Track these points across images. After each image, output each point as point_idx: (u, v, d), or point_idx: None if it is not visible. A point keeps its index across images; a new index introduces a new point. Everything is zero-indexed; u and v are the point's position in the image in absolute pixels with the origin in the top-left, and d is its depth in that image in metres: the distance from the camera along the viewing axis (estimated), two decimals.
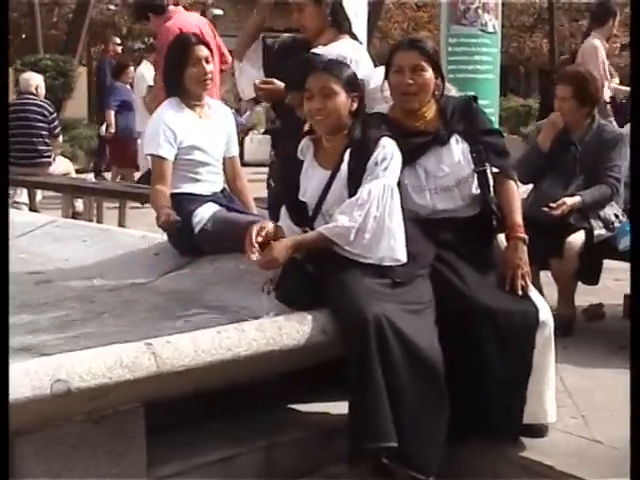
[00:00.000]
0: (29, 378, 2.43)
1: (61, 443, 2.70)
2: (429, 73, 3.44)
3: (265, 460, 3.26)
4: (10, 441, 2.58)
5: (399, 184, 3.30)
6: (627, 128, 5.49)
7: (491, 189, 3.46)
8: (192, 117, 4.26)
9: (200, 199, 4.23)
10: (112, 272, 4.25)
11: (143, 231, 5.00)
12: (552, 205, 4.64)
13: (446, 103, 3.52)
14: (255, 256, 3.18)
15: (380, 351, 2.91)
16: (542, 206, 4.63)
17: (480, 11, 11.60)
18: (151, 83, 9.74)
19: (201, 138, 4.24)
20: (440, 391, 3.04)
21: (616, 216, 4.85)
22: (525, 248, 3.42)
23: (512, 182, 3.53)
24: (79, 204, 9.07)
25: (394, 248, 3.18)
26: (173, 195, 4.16)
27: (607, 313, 5.36)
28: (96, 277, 4.18)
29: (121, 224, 7.94)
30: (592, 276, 4.92)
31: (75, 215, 8.50)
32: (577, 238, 4.70)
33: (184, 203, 4.18)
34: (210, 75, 4.21)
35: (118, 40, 15.24)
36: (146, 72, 10.66)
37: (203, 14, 20.51)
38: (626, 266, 5.29)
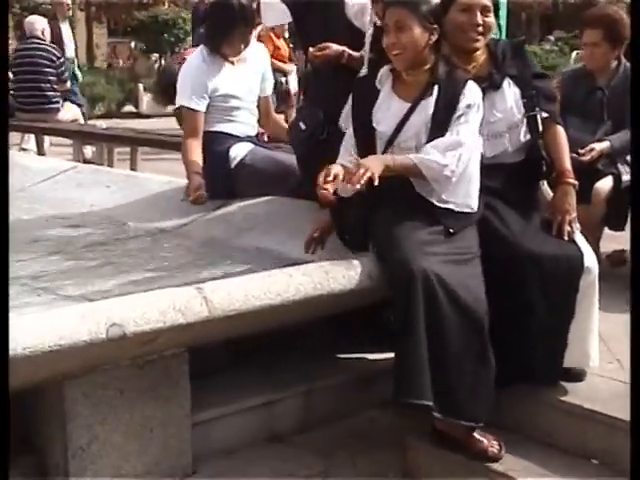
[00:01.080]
0: (85, 322, 2.41)
1: (108, 387, 2.71)
2: (492, 16, 3.39)
3: (304, 405, 3.27)
4: (60, 384, 2.60)
5: None
6: None
7: (540, 134, 3.43)
8: (225, 64, 4.23)
9: (234, 137, 4.24)
10: (140, 218, 4.23)
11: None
12: (580, 151, 4.58)
13: (495, 46, 3.46)
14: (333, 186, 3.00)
15: (426, 305, 2.89)
16: (570, 152, 4.58)
17: None
18: None
19: (235, 86, 4.21)
20: (484, 342, 3.02)
21: None
22: (574, 194, 3.40)
23: (560, 127, 3.49)
24: (88, 151, 9.01)
25: (471, 195, 3.16)
26: (208, 133, 4.16)
27: (628, 259, 5.36)
28: (124, 223, 4.16)
29: (132, 170, 7.87)
30: (619, 222, 4.88)
31: (86, 162, 8.43)
32: (605, 184, 4.65)
33: (220, 140, 4.20)
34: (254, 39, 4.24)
35: None
36: None
37: None
38: None
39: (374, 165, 3.01)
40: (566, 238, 3.29)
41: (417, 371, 2.90)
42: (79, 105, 9.96)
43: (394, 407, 3.17)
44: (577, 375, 3.34)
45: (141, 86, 15.86)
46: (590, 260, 3.26)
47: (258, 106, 4.43)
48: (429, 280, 2.90)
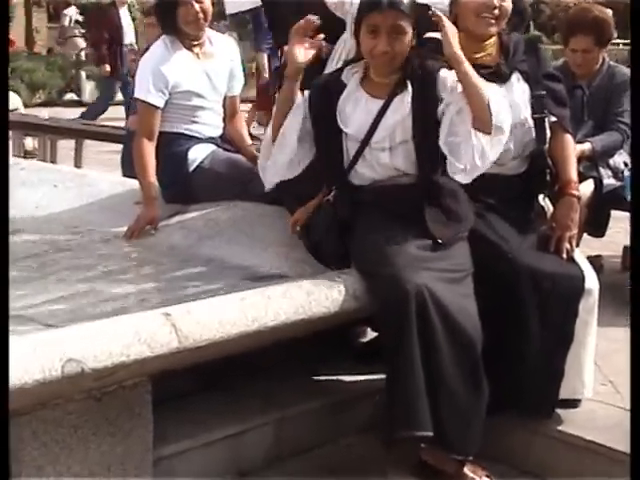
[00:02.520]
0: (37, 357, 2.07)
1: (60, 424, 2.39)
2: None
3: (275, 434, 2.98)
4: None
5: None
6: None
7: (547, 140, 3.17)
8: (188, 58, 3.83)
9: (195, 139, 3.87)
10: (91, 222, 3.87)
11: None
12: None
13: (508, 39, 3.18)
14: None
15: (420, 326, 2.64)
16: None
17: None
18: None
19: (199, 82, 3.83)
20: (478, 368, 2.78)
21: (625, 164, 4.59)
22: (578, 207, 3.14)
23: (569, 135, 3.23)
24: (28, 142, 8.55)
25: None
26: (165, 133, 3.79)
27: (605, 266, 5.15)
28: (74, 227, 3.80)
29: (77, 165, 7.45)
30: (599, 228, 4.68)
31: (27, 154, 7.98)
32: (586, 187, 4.41)
33: (178, 141, 3.84)
34: (201, 14, 3.76)
35: None
36: None
37: None
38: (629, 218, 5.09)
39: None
40: (564, 256, 3.03)
41: (415, 399, 2.66)
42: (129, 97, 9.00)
43: (373, 433, 2.92)
44: (573, 402, 3.09)
45: (83, 73, 15.33)
46: (591, 281, 3.01)
47: (224, 105, 4.02)
48: (423, 299, 2.64)
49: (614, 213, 4.83)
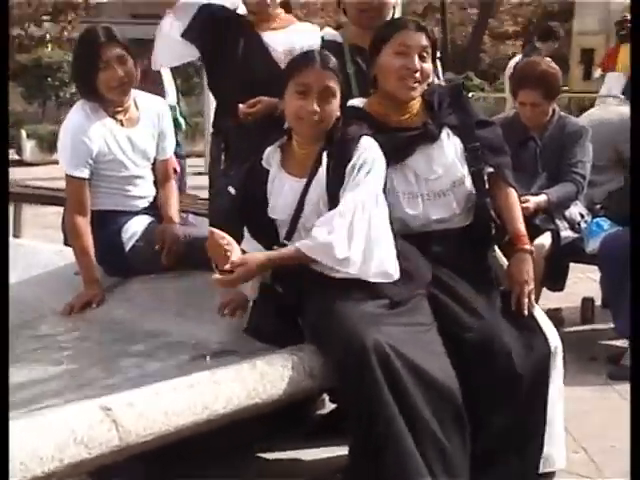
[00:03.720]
0: None
1: None
2: (430, 60, 2.95)
3: None
4: None
5: (385, 191, 2.80)
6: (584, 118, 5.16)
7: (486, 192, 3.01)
8: (112, 125, 3.56)
9: (128, 214, 3.63)
10: (27, 296, 3.61)
11: (44, 241, 4.38)
12: None
13: (431, 92, 3.02)
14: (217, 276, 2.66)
15: (389, 382, 2.42)
16: None
17: None
18: None
19: (124, 150, 3.57)
20: (462, 421, 2.58)
21: (581, 215, 4.51)
22: (531, 261, 2.98)
23: (509, 185, 3.06)
24: None
25: (384, 262, 2.67)
26: (96, 212, 3.55)
27: (565, 318, 5.04)
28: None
29: (17, 234, 7.11)
30: (558, 281, 4.58)
31: None
32: (544, 240, 4.31)
33: (111, 218, 3.59)
34: (126, 79, 3.50)
35: None
36: None
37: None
38: (587, 268, 5.00)
39: (250, 267, 2.64)
40: (526, 313, 2.88)
41: (408, 460, 2.43)
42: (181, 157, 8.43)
43: None
44: (545, 476, 2.89)
45: (24, 132, 15.05)
46: (555, 341, 2.85)
47: (154, 170, 3.76)
48: (384, 352, 2.44)
49: (572, 264, 4.73)
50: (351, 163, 2.74)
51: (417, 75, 2.91)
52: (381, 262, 2.67)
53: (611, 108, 5.31)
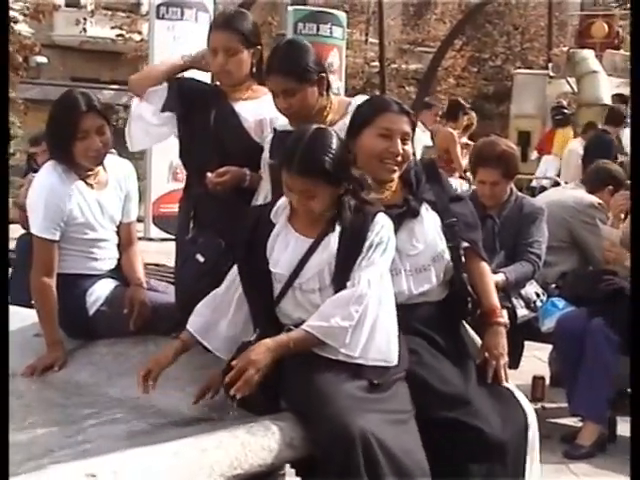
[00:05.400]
0: None
1: None
2: (410, 142, 3.01)
3: None
4: None
5: None
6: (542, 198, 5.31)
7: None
8: (82, 188, 3.54)
9: (93, 277, 3.60)
10: None
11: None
12: None
13: (408, 169, 3.07)
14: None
15: (368, 471, 2.43)
16: None
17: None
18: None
19: (93, 213, 3.56)
20: None
21: (537, 295, 4.58)
22: (505, 334, 3.04)
23: (483, 260, 3.13)
24: None
25: (390, 347, 2.70)
26: (61, 275, 3.51)
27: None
28: None
29: None
30: (513, 359, 4.58)
31: None
32: None
33: (76, 282, 3.55)
34: (103, 149, 3.52)
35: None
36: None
37: (25, 60, 19.62)
38: (534, 347, 5.08)
39: (259, 358, 2.59)
40: (504, 384, 2.94)
41: None
42: None
43: None
44: None
45: None
46: (531, 413, 2.90)
47: (118, 233, 3.73)
48: (369, 443, 2.44)
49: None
50: (369, 240, 2.75)
51: (399, 158, 2.97)
52: (387, 348, 2.70)
53: (567, 191, 5.45)
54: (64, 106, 3.53)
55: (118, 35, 22.52)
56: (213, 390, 2.88)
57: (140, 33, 21.51)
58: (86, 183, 3.57)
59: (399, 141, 2.96)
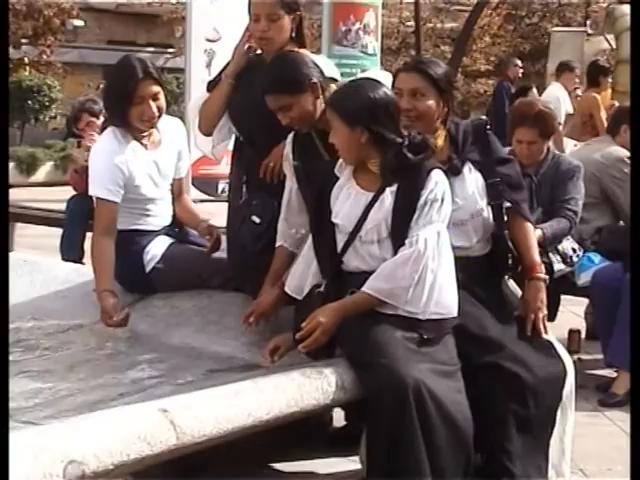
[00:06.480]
0: (38, 462, 1.96)
1: None
2: (431, 99, 3.14)
3: None
4: None
5: None
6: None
7: (504, 225, 3.21)
8: (138, 150, 3.72)
9: (150, 233, 3.78)
10: (48, 311, 3.75)
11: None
12: None
13: (456, 129, 3.22)
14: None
15: (420, 418, 2.62)
16: None
17: (361, 33, 11.61)
18: (568, 108, 9.08)
19: (150, 172, 3.73)
20: (470, 463, 2.78)
21: (573, 250, 4.71)
22: (545, 289, 3.19)
23: (526, 219, 3.28)
24: None
25: (449, 301, 2.88)
26: (120, 232, 3.67)
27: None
28: (31, 317, 3.67)
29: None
30: (550, 313, 4.73)
31: None
32: None
33: (134, 239, 3.73)
34: (158, 113, 3.67)
35: (519, 62, 12.93)
36: (559, 92, 9.51)
37: (63, 24, 19.82)
38: (568, 302, 5.21)
39: (326, 321, 2.80)
40: (544, 336, 3.10)
41: None
42: None
43: None
44: None
45: None
46: (569, 365, 3.05)
47: (171, 189, 3.92)
48: (421, 393, 2.62)
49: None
50: (423, 197, 2.89)
51: (411, 113, 3.12)
52: (441, 301, 2.86)
53: (594, 146, 5.53)
54: (121, 73, 3.70)
55: None
56: (284, 349, 3.01)
57: None
58: (141, 144, 3.75)
59: (407, 97, 3.12)
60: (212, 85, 3.73)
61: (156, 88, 3.65)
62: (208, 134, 3.73)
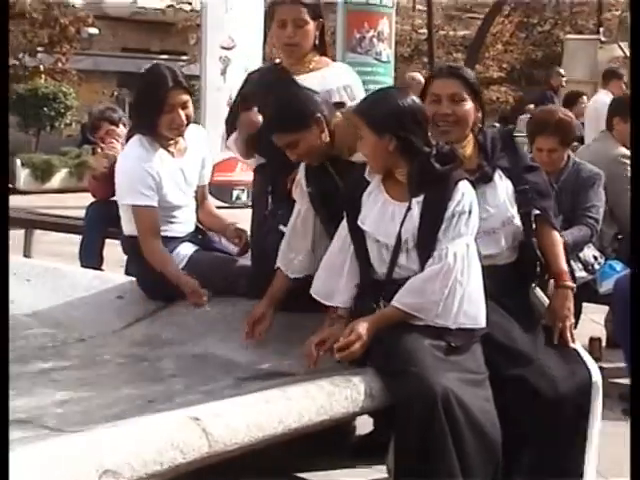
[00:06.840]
0: (72, 471, 1.96)
1: None
2: (469, 103, 3.16)
3: None
4: None
5: None
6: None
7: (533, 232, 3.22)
8: (165, 157, 3.75)
9: (175, 240, 3.80)
10: (72, 319, 3.76)
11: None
12: None
13: (484, 136, 3.23)
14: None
15: (451, 430, 2.63)
16: None
17: (375, 40, 11.62)
18: None
19: (176, 180, 3.77)
20: (499, 472, 2.78)
21: (595, 258, 4.70)
22: (572, 298, 3.18)
23: (554, 227, 3.28)
24: None
25: (478, 312, 2.88)
26: None
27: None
28: (56, 325, 3.69)
29: (26, 256, 7.26)
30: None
31: None
32: None
33: None
34: (186, 121, 3.71)
35: (562, 71, 13.04)
36: (608, 99, 9.51)
37: (78, 32, 19.91)
38: (589, 310, 5.20)
39: (364, 333, 2.81)
40: (571, 345, 3.09)
41: None
42: None
43: None
44: None
45: (18, 161, 15.15)
46: (597, 375, 3.04)
47: (196, 196, 3.97)
48: (449, 402, 2.63)
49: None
50: (451, 209, 2.89)
51: (450, 119, 3.13)
52: (471, 312, 2.87)
53: (592, 146, 5.54)
54: (151, 81, 3.74)
55: (168, 6, 22.68)
56: (329, 344, 2.97)
57: (190, 3, 21.64)
58: (168, 152, 3.78)
59: (446, 102, 3.13)
60: (230, 118, 3.73)
61: (185, 97, 3.68)
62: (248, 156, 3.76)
